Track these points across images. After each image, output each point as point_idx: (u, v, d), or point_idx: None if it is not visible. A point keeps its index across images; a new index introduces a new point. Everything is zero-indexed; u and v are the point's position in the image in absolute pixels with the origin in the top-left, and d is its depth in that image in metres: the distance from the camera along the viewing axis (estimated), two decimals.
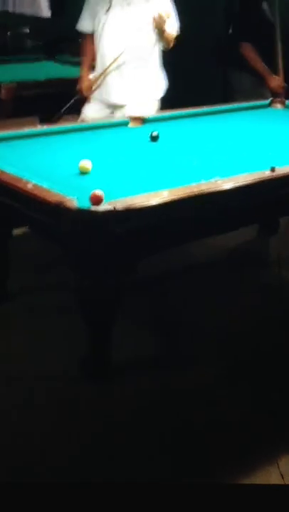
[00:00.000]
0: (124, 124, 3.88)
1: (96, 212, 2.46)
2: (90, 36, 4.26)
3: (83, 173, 2.95)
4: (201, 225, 2.97)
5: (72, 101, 4.36)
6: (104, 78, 4.19)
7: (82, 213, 2.47)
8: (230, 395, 2.87)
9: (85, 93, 4.30)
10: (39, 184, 2.70)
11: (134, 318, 3.36)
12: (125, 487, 2.35)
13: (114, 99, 4.23)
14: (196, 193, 2.71)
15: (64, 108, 4.42)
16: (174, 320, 3.47)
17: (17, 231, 3.65)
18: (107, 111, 4.28)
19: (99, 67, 4.24)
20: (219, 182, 2.82)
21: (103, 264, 2.73)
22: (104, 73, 4.16)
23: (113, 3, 4.07)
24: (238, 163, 3.18)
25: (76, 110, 4.41)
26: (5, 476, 2.39)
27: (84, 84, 4.30)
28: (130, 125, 3.87)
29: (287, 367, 3.10)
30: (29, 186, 2.69)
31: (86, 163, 2.96)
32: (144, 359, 3.14)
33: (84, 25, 4.27)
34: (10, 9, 8.76)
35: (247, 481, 2.39)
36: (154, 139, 3.52)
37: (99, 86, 4.24)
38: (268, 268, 4.11)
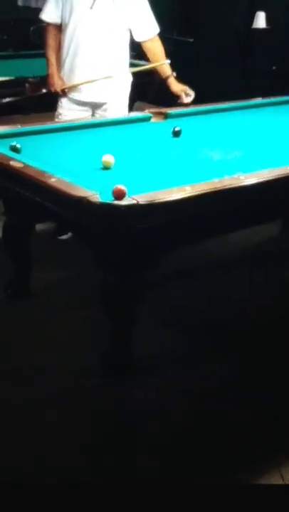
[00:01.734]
0: (147, 119, 3.88)
1: (119, 207, 2.46)
2: (56, 27, 4.05)
3: (106, 168, 2.96)
4: (223, 220, 2.97)
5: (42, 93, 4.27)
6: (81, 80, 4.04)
7: (104, 208, 2.48)
8: (245, 395, 2.87)
9: (60, 91, 4.09)
10: (62, 178, 2.71)
11: (156, 315, 3.36)
12: (125, 487, 2.34)
13: (94, 98, 4.10)
14: (219, 188, 2.70)
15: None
16: (196, 317, 3.47)
17: (39, 227, 3.68)
18: (85, 111, 4.15)
19: (70, 64, 4.06)
20: (242, 177, 2.82)
21: (126, 260, 2.75)
22: (89, 82, 4.02)
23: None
24: (261, 158, 3.17)
25: (49, 108, 4.26)
26: (4, 476, 2.40)
27: (57, 85, 4.08)
28: (152, 120, 3.87)
29: None
30: (52, 180, 2.70)
31: (109, 158, 2.97)
32: (164, 357, 3.13)
33: (52, 15, 4.03)
34: (33, 5, 8.81)
35: (247, 481, 2.39)
36: (176, 134, 3.53)
37: (75, 86, 4.08)
38: None
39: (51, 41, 4.10)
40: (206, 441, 2.58)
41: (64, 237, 4.14)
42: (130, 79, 4.28)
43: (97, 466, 2.44)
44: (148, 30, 4.12)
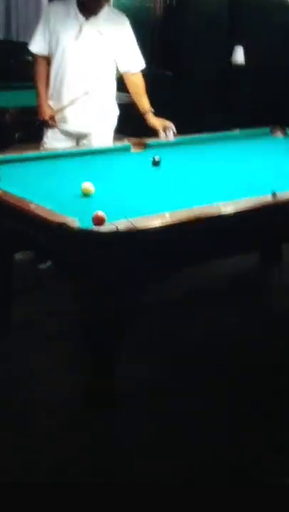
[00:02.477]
0: (126, 148, 3.91)
1: (98, 233, 2.46)
2: (44, 58, 4.11)
3: (86, 195, 2.97)
4: (202, 248, 2.98)
5: (36, 125, 4.21)
6: (68, 107, 4.09)
7: (84, 233, 2.48)
8: (227, 419, 2.86)
9: (49, 122, 4.14)
10: (41, 205, 2.71)
11: (139, 345, 3.32)
12: (125, 487, 2.34)
13: (79, 128, 4.16)
14: (198, 215, 2.72)
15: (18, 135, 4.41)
16: (176, 345, 3.46)
17: (18, 256, 3.65)
18: (70, 140, 4.20)
19: (57, 93, 4.12)
20: (220, 205, 2.84)
21: (105, 288, 2.73)
22: (71, 103, 4.06)
23: (84, 29, 3.98)
24: (240, 188, 3.20)
25: (35, 138, 4.30)
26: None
27: (46, 113, 4.13)
28: (132, 150, 3.90)
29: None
30: (31, 206, 2.71)
31: (88, 186, 2.98)
32: (146, 385, 3.11)
33: (40, 46, 4.10)
34: (14, 38, 8.92)
35: (247, 481, 2.38)
36: (156, 163, 3.55)
37: (63, 116, 4.13)
38: (271, 295, 4.11)
39: (40, 72, 4.16)
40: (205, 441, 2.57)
41: (43, 266, 4.12)
42: (117, 111, 4.32)
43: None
44: (133, 62, 4.18)
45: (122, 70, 4.18)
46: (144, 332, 3.45)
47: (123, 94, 5.52)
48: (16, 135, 4.77)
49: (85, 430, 2.77)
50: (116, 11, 4.33)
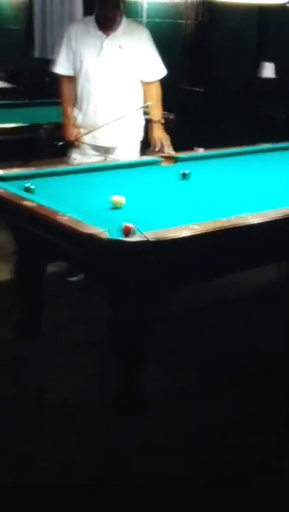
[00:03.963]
0: (157, 162, 3.98)
1: (127, 243, 2.53)
2: (69, 79, 4.21)
3: (116, 207, 3.04)
4: (230, 259, 3.04)
5: (58, 145, 4.28)
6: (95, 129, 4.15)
7: (113, 244, 2.54)
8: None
9: (75, 144, 4.23)
10: (73, 217, 2.79)
11: (163, 352, 3.40)
12: (125, 487, 2.36)
13: (106, 143, 4.22)
14: (227, 226, 2.77)
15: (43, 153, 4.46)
16: (200, 354, 3.50)
17: (50, 268, 3.74)
18: (98, 154, 4.27)
19: (84, 111, 4.20)
20: (249, 217, 2.89)
21: (135, 296, 2.80)
22: (104, 125, 4.12)
23: (105, 46, 4.06)
24: (268, 200, 3.25)
25: (62, 154, 4.38)
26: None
27: (72, 135, 4.21)
28: (162, 164, 3.97)
29: None
30: (64, 219, 2.78)
31: (119, 198, 3.05)
32: (173, 393, 3.17)
33: (63, 67, 4.19)
34: (48, 56, 9.09)
35: (247, 481, 2.40)
36: (185, 176, 3.62)
37: (87, 133, 4.19)
38: None
39: (65, 92, 4.26)
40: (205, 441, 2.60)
41: (74, 279, 4.20)
42: (142, 122, 4.38)
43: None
44: (151, 72, 4.23)
45: (143, 80, 4.23)
46: (167, 339, 3.51)
47: None
48: (49, 150, 4.86)
49: (110, 434, 2.84)
50: (134, 23, 4.38)
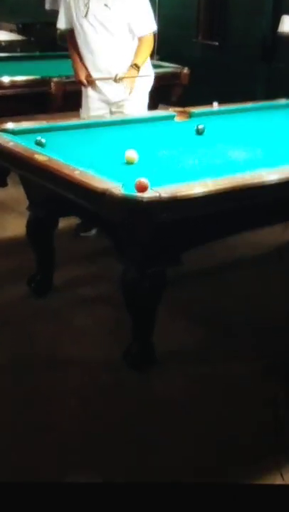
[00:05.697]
0: (171, 117, 3.91)
1: (141, 199, 2.48)
2: (72, 31, 4.27)
3: (129, 163, 2.99)
4: (245, 217, 2.99)
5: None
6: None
7: (127, 200, 2.50)
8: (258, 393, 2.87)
9: (85, 82, 4.28)
10: (86, 171, 2.74)
11: (176, 311, 3.39)
12: (125, 487, 2.35)
13: (113, 98, 4.26)
14: (241, 183, 2.72)
15: None
16: (216, 314, 3.48)
17: (61, 224, 3.71)
18: (106, 107, 4.31)
19: (85, 65, 4.27)
20: (263, 174, 2.83)
21: (147, 253, 2.78)
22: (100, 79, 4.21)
23: (90, 6, 4.08)
24: (283, 156, 3.18)
25: (77, 106, 4.44)
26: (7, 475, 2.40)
27: (81, 74, 4.27)
28: (177, 119, 3.90)
29: None
30: (76, 173, 2.74)
31: (132, 153, 3.00)
32: (184, 351, 3.16)
33: (63, 22, 4.31)
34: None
35: (247, 481, 2.38)
36: (199, 132, 3.55)
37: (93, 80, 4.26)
38: None
39: (71, 42, 4.34)
40: (206, 441, 2.57)
41: (86, 234, 4.18)
42: (151, 75, 4.36)
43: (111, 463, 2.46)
44: (140, 28, 4.19)
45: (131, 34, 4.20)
46: (181, 298, 3.50)
47: (167, 64, 5.51)
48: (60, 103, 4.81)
49: (123, 390, 2.85)
50: None
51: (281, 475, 2.42)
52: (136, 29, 4.18)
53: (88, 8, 4.08)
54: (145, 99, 4.39)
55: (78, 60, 4.29)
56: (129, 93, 4.19)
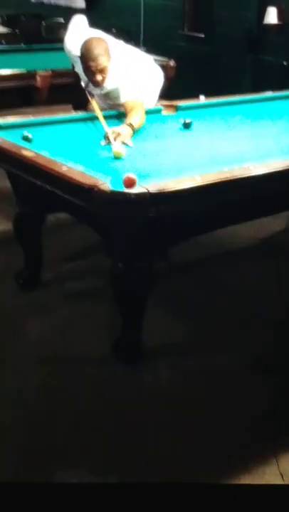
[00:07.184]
0: (158, 111, 3.90)
1: (129, 195, 2.48)
2: None
3: (117, 158, 2.99)
4: (232, 210, 3.00)
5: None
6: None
7: (115, 195, 2.50)
8: (250, 386, 2.89)
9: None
10: (73, 167, 2.73)
11: (165, 304, 3.40)
12: (125, 487, 2.35)
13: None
14: (229, 177, 2.72)
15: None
16: (205, 307, 3.49)
17: (50, 218, 3.70)
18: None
19: None
20: (251, 167, 2.84)
21: (136, 247, 2.78)
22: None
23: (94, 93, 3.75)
24: (270, 149, 3.19)
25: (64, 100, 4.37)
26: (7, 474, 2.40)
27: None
28: (163, 112, 3.89)
29: None
30: (64, 169, 2.73)
31: (120, 149, 3.00)
32: (173, 344, 3.17)
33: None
34: (45, 1, 8.87)
35: (247, 481, 2.38)
36: (187, 126, 3.55)
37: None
38: None
39: None
40: (205, 441, 2.57)
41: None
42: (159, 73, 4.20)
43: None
44: (123, 94, 3.73)
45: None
46: (170, 291, 3.51)
47: (153, 57, 5.47)
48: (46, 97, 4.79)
49: (112, 383, 2.85)
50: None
51: (281, 475, 2.41)
52: (122, 96, 3.76)
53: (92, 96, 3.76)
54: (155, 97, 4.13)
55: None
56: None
